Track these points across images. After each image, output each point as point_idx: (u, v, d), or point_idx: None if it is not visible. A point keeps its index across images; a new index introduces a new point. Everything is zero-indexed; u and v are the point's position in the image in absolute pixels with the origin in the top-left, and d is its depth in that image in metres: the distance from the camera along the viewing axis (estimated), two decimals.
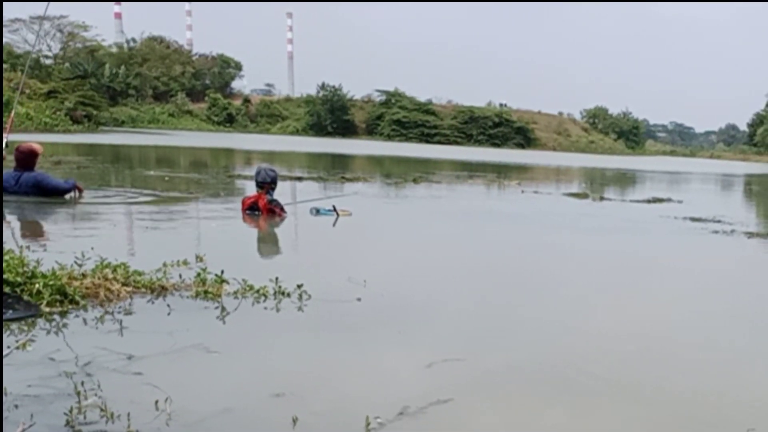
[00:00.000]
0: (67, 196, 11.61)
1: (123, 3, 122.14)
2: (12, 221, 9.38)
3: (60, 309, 5.08)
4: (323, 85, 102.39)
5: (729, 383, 4.64)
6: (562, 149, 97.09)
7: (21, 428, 3.16)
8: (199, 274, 5.98)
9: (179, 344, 4.54)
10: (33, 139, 14.44)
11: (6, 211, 9.82)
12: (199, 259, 6.44)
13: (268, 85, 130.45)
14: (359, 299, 5.98)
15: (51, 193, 11.38)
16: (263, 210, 10.74)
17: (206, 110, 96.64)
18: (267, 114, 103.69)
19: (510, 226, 12.44)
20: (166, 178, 17.24)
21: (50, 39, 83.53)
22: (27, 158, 11.41)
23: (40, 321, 4.86)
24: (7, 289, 4.95)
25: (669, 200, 18.66)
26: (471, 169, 32.00)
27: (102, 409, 3.44)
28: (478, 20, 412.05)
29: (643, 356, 5.10)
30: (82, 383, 3.68)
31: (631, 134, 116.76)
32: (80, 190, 11.90)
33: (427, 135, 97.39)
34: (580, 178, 33.16)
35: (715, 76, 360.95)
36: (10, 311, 4.80)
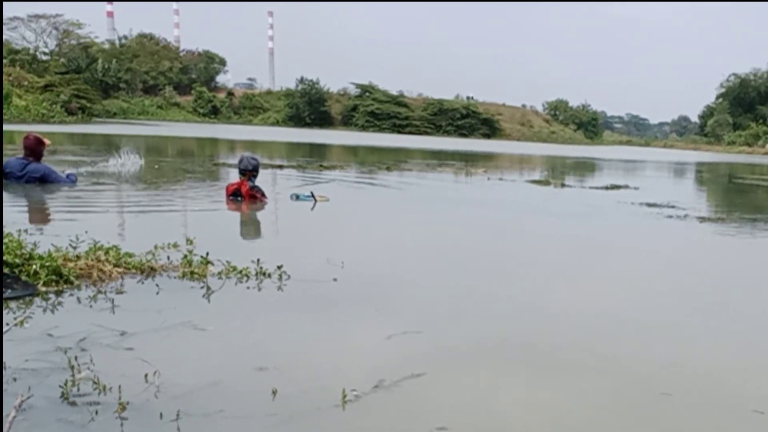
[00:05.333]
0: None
1: (115, 2, 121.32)
2: (10, 206, 9.30)
3: (56, 288, 5.07)
4: (302, 79, 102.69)
5: (675, 355, 4.69)
6: (525, 139, 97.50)
7: (19, 400, 3.15)
8: (185, 256, 5.98)
9: (168, 322, 4.53)
10: (31, 130, 14.31)
11: (5, 195, 9.72)
12: (189, 242, 6.41)
13: (250, 79, 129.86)
14: (335, 279, 5.99)
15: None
16: (245, 196, 10.69)
17: (192, 103, 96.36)
18: (249, 106, 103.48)
19: (477, 211, 12.46)
20: (156, 166, 17.13)
21: (47, 36, 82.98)
22: (34, 147, 11.28)
23: (37, 300, 4.84)
24: (6, 270, 4.92)
25: (626, 187, 18.74)
26: (440, 158, 31.98)
27: (95, 382, 3.44)
28: (447, 18, 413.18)
29: (600, 331, 5.15)
30: (77, 358, 3.68)
31: (589, 125, 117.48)
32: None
33: (399, 126, 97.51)
34: (542, 166, 33.26)
35: (667, 70, 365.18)
36: (9, 290, 4.78)
